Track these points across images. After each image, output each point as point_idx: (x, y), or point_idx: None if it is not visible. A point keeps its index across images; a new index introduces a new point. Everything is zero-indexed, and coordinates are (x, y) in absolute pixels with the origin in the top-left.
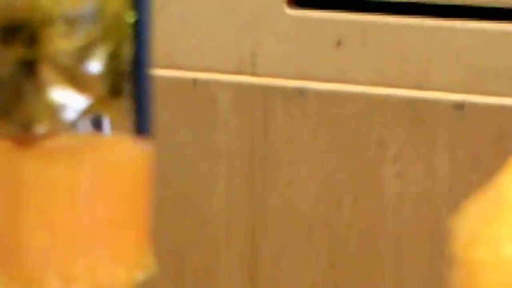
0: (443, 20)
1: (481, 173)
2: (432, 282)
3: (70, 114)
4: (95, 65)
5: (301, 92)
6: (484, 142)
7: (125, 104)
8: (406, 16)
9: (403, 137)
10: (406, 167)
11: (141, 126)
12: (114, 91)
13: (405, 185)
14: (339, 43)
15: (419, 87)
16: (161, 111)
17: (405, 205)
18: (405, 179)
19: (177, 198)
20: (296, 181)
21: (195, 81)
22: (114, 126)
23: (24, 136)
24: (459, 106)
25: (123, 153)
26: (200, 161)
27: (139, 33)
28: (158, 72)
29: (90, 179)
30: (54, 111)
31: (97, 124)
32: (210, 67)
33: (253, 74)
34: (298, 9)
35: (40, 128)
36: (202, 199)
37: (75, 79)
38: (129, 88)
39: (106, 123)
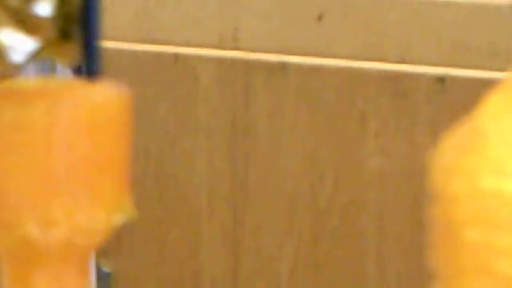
0: None
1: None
2: (414, 255)
3: (18, 56)
4: (44, 8)
5: (282, 67)
6: (466, 116)
7: (74, 47)
8: None
9: (385, 111)
10: (388, 141)
11: (90, 69)
12: (64, 34)
13: (387, 159)
14: (320, 18)
15: (401, 61)
16: (143, 86)
17: (387, 179)
18: (387, 153)
19: (158, 172)
20: (278, 155)
21: (176, 56)
22: (63, 68)
23: None
24: (441, 80)
25: (100, 96)
26: (182, 136)
27: None
28: (139, 47)
29: (67, 122)
30: (2, 53)
31: (78, 70)
32: (192, 42)
33: (235, 48)
34: None
35: None
36: (183, 174)
37: (24, 21)
38: (79, 31)
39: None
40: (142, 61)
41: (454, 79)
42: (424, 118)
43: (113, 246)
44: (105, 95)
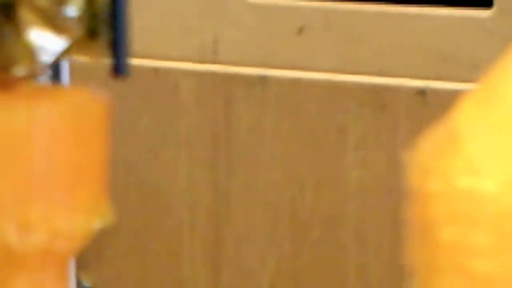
0: (404, 6)
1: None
2: (395, 268)
3: (48, 56)
4: (72, 7)
5: (262, 80)
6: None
7: (102, 46)
8: (367, 2)
9: (365, 124)
10: (368, 153)
11: (118, 68)
12: (91, 34)
13: (367, 172)
14: (300, 30)
15: (381, 73)
16: (123, 100)
17: (367, 192)
18: (367, 166)
19: (139, 185)
20: (259, 168)
21: (156, 70)
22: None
23: (3, 79)
24: (421, 92)
25: (80, 102)
26: (163, 149)
27: None
28: None
29: (46, 126)
30: (32, 53)
31: (56, 72)
32: (171, 56)
33: (215, 61)
34: None
35: (19, 70)
36: (164, 187)
37: (53, 21)
38: (106, 30)
39: (66, 72)
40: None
41: (434, 91)
42: (404, 131)
43: (94, 259)
44: (84, 99)
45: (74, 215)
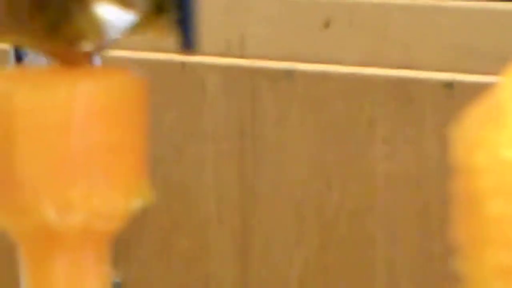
0: (431, 0)
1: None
2: (424, 261)
3: (115, 31)
4: None
5: (289, 74)
6: None
7: (169, 21)
8: None
9: (392, 117)
10: (396, 147)
11: (187, 43)
12: (158, 9)
13: (395, 165)
14: (326, 25)
15: (407, 66)
16: (149, 95)
17: (395, 185)
18: (394, 159)
19: (166, 181)
20: (286, 163)
21: (183, 64)
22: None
23: (71, 53)
24: (448, 85)
25: (119, 81)
26: (189, 144)
27: None
28: (147, 55)
29: (84, 105)
30: (100, 27)
31: None
32: (198, 50)
33: (241, 56)
34: None
35: (87, 45)
36: (191, 182)
37: None
38: (173, 5)
39: (97, 60)
40: (149, 69)
41: (461, 84)
42: (431, 124)
43: (122, 255)
44: (122, 80)
45: (113, 195)
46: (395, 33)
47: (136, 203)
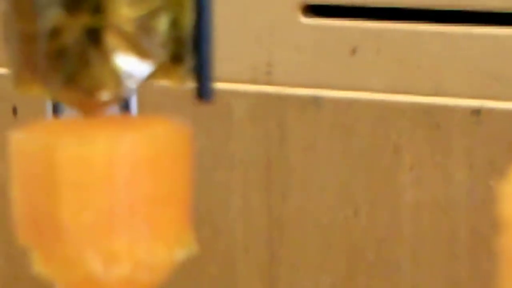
0: (458, 26)
1: (498, 179)
2: None
3: (133, 81)
4: (157, 33)
5: (316, 101)
6: (501, 148)
7: (186, 71)
8: (420, 22)
9: (420, 144)
10: (423, 174)
11: (202, 93)
12: (176, 59)
13: (422, 192)
14: (353, 51)
15: (435, 93)
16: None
17: (422, 212)
18: (422, 186)
19: (193, 207)
20: (313, 190)
21: None
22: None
23: (89, 103)
24: (476, 112)
25: (163, 131)
26: (216, 171)
27: (200, 0)
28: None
29: (128, 157)
30: (118, 77)
31: (125, 105)
32: (226, 77)
33: (268, 83)
34: (312, 17)
35: (105, 95)
36: (218, 210)
37: (139, 46)
38: (190, 55)
39: (134, 104)
40: (177, 96)
41: (489, 111)
42: (459, 150)
43: None
44: (166, 129)
45: (157, 246)
46: (422, 60)
47: (180, 254)
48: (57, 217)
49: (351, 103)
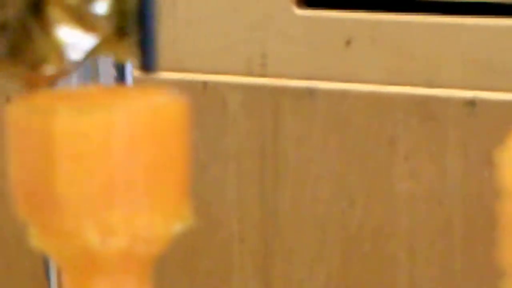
0: (452, 17)
1: (493, 170)
2: (446, 280)
3: (77, 54)
4: (101, 5)
5: (310, 92)
6: (496, 139)
7: (130, 44)
8: (415, 14)
9: (414, 135)
10: (418, 165)
11: (147, 66)
12: (120, 32)
13: (417, 183)
14: (348, 43)
15: (430, 84)
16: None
17: (417, 203)
18: (417, 177)
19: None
20: (307, 181)
21: (205, 84)
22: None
23: (35, 77)
24: (470, 103)
25: (156, 101)
26: (211, 163)
27: None
28: (169, 75)
29: (126, 128)
30: (62, 50)
31: (121, 74)
32: (220, 69)
33: (263, 75)
34: (306, 9)
35: (49, 68)
36: (213, 201)
37: (82, 19)
38: (135, 29)
39: (129, 75)
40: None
41: (483, 102)
42: (454, 142)
43: None
44: (162, 100)
45: (154, 218)
46: (416, 51)
47: (177, 226)
48: (54, 189)
49: (345, 94)
